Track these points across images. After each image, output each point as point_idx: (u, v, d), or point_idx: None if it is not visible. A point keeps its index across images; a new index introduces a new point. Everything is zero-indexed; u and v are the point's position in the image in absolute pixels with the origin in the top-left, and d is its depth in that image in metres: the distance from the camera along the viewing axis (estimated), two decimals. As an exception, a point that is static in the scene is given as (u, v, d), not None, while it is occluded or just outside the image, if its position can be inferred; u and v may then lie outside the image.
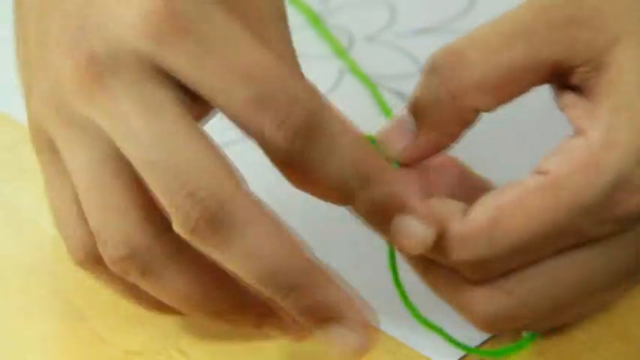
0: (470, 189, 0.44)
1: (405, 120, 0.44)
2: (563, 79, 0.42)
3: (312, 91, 0.41)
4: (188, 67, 0.40)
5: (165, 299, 0.44)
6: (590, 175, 0.40)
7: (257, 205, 0.41)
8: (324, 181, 0.41)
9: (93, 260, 0.44)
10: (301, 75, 0.42)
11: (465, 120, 0.43)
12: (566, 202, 0.40)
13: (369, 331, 0.41)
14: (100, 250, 0.43)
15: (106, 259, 0.42)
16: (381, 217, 0.42)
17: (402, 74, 0.67)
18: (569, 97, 0.43)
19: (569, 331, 0.46)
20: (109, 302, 0.50)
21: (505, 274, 0.42)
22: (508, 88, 0.42)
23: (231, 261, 0.40)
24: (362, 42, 0.71)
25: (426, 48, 0.71)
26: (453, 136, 0.44)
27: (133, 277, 0.43)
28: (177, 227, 0.40)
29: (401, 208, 0.42)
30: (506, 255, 0.41)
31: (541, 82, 0.43)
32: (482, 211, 0.41)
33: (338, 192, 0.41)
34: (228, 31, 0.40)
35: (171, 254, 0.42)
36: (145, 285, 0.43)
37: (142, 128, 0.40)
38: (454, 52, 0.43)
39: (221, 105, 0.40)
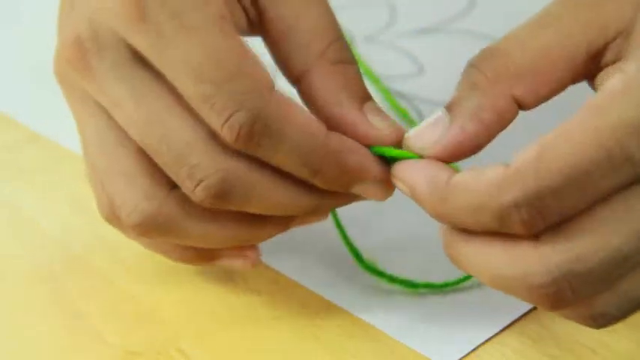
0: None
1: (439, 117, 0.42)
2: (599, 62, 0.42)
3: (259, 86, 0.41)
4: (150, 55, 0.42)
5: (192, 244, 0.46)
6: (628, 94, 0.39)
7: (257, 167, 0.42)
8: (280, 169, 0.43)
9: (117, 220, 0.45)
10: (253, 65, 0.42)
11: (502, 110, 0.42)
12: (608, 123, 0.38)
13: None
14: (118, 215, 0.45)
15: (124, 224, 0.44)
16: (340, 188, 0.44)
17: (402, 74, 0.67)
18: (602, 73, 0.42)
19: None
20: (109, 302, 0.50)
21: (558, 225, 0.39)
22: (544, 76, 0.42)
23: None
24: (362, 42, 0.71)
25: (426, 48, 0.72)
26: (488, 128, 0.42)
27: (155, 237, 0.45)
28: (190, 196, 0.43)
29: (359, 180, 0.43)
30: (556, 190, 0.39)
31: (577, 71, 0.42)
32: (525, 151, 0.39)
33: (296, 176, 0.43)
34: (186, 20, 0.41)
35: (184, 208, 0.44)
36: (168, 239, 0.45)
37: (132, 112, 0.42)
38: (489, 48, 0.43)
39: (180, 94, 0.42)
